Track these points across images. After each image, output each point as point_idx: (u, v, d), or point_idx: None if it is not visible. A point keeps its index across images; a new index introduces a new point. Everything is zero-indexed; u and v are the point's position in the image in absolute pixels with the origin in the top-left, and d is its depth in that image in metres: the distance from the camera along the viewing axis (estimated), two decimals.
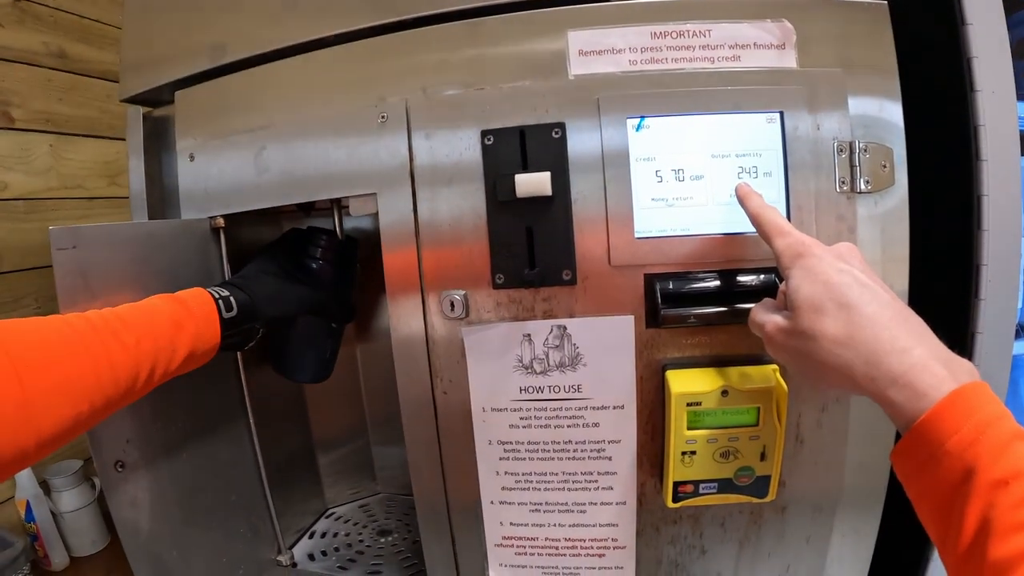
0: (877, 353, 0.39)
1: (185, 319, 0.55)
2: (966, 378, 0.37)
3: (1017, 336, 0.62)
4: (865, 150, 0.56)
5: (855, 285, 0.42)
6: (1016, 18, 0.70)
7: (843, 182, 0.56)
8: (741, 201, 0.53)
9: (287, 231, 0.81)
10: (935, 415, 0.36)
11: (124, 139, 0.77)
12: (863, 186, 0.56)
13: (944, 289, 0.62)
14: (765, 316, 0.48)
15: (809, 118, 0.56)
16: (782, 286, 0.47)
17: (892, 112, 0.57)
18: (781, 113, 0.56)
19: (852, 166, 0.56)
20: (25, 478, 1.18)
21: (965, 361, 0.39)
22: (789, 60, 0.57)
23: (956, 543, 0.34)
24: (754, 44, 0.57)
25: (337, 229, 0.80)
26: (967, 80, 0.57)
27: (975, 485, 0.33)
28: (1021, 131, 0.57)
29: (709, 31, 0.57)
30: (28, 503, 1.18)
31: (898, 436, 0.40)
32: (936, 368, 0.38)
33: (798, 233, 0.47)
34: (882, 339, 0.40)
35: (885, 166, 0.56)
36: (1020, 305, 0.61)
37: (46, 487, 1.23)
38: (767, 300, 0.51)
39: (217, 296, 0.59)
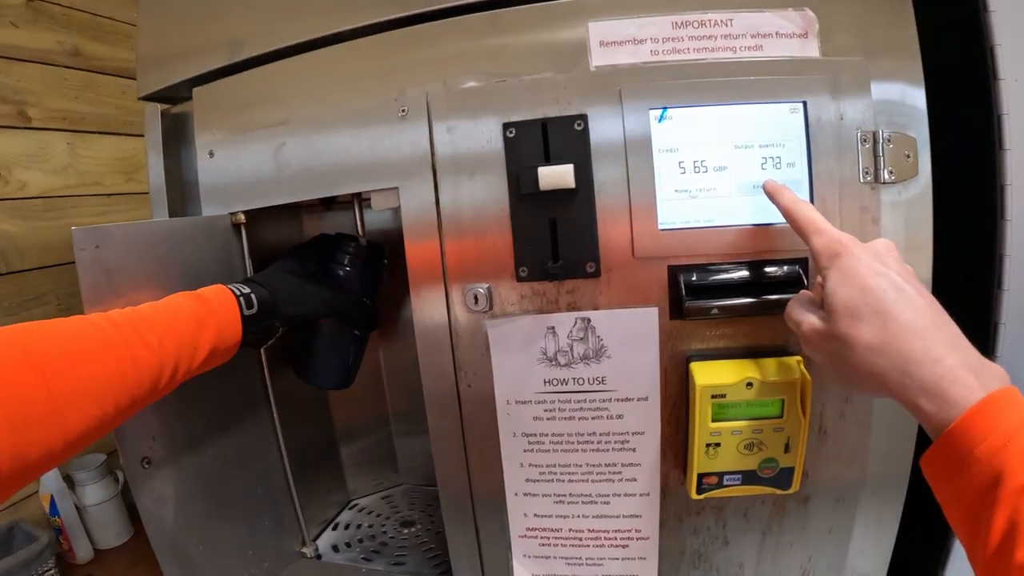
0: (910, 362, 0.40)
1: (207, 316, 0.55)
2: (996, 385, 0.38)
3: None
4: (889, 140, 0.55)
5: (891, 290, 0.42)
6: None
7: (867, 172, 0.56)
8: (772, 197, 0.52)
9: (316, 236, 0.82)
10: (964, 422, 0.37)
11: (140, 135, 0.78)
12: (887, 176, 0.56)
13: (967, 279, 0.61)
14: (802, 315, 0.48)
15: (832, 107, 0.55)
16: (817, 279, 0.47)
17: (915, 98, 0.56)
18: (804, 103, 0.56)
19: (876, 156, 0.55)
20: (49, 473, 1.19)
21: (997, 367, 0.40)
22: (812, 49, 0.57)
23: (984, 547, 0.35)
24: (776, 33, 0.57)
25: (358, 224, 0.80)
26: (990, 68, 0.56)
27: (1002, 491, 0.34)
28: None
29: (731, 20, 0.57)
30: (52, 498, 1.19)
31: (922, 430, 0.40)
32: (968, 379, 0.38)
33: (834, 230, 0.47)
34: (915, 348, 0.40)
35: (908, 156, 0.56)
36: None
37: (70, 481, 1.25)
38: (804, 294, 0.50)
39: (238, 293, 0.59)
